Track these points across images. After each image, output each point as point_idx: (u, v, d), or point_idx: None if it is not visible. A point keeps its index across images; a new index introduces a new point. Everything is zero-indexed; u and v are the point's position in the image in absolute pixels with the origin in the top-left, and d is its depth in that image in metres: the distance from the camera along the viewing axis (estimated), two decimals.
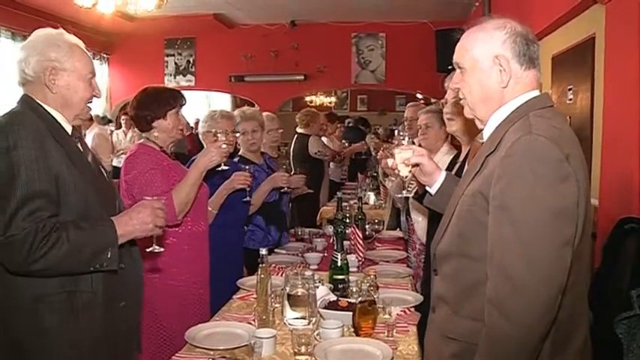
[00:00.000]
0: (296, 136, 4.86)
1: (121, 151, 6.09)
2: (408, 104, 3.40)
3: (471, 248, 1.09)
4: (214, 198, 2.27)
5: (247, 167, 2.37)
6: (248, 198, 2.37)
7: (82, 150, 1.39)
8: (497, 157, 1.06)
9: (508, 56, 1.12)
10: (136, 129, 2.04)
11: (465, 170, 1.56)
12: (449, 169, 2.06)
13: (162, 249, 1.48)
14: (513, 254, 0.98)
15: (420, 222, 2.61)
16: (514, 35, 1.11)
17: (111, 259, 1.28)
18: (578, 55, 3.02)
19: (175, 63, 8.04)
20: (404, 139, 1.49)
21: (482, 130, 1.21)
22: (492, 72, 1.14)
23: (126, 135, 6.83)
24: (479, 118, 1.20)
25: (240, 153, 2.80)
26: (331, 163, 5.32)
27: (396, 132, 1.50)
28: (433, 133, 2.53)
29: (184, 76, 8.05)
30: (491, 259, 1.02)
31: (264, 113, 2.95)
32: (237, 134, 2.58)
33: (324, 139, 5.31)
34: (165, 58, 8.04)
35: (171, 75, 8.06)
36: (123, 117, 6.99)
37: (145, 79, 6.46)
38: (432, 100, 8.20)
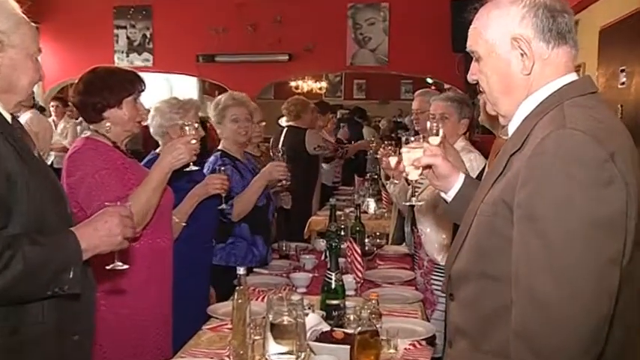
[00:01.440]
0: (286, 129, 4.88)
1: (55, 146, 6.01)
2: (417, 92, 3.43)
3: (493, 268, 1.10)
4: (182, 206, 2.27)
5: (223, 168, 2.37)
6: (224, 206, 2.37)
7: (26, 143, 1.36)
8: (523, 156, 1.05)
9: (529, 35, 1.10)
10: (72, 119, 2.02)
11: (484, 173, 1.58)
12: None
13: (126, 266, 1.47)
14: (544, 276, 0.96)
15: (427, 234, 2.64)
16: (534, 8, 1.10)
17: (73, 281, 1.25)
18: (633, 28, 2.90)
19: (128, 37, 7.94)
20: (437, 136, 1.50)
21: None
22: (512, 57, 1.13)
23: (56, 126, 6.58)
24: (502, 114, 1.20)
25: (221, 147, 2.80)
26: (323, 164, 5.33)
27: (403, 139, 1.51)
28: (450, 125, 2.58)
29: (139, 54, 7.98)
30: (516, 281, 1.01)
31: None
32: (197, 126, 2.58)
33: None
34: (115, 31, 7.92)
35: (122, 53, 7.95)
36: (52, 103, 6.77)
37: (88, 58, 6.32)
38: (446, 87, 8.31)
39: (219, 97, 2.83)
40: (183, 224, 2.24)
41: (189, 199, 2.28)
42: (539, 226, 0.98)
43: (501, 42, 1.13)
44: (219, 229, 2.60)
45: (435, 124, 1.54)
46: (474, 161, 2.51)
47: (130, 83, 1.96)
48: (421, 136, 1.52)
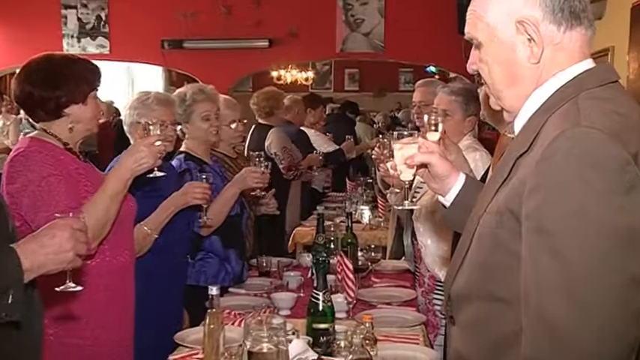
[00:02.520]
0: (253, 128, 4.81)
1: None
2: (418, 82, 3.46)
3: (499, 288, 1.09)
4: (156, 216, 2.28)
5: (205, 176, 2.38)
6: (205, 218, 2.38)
7: None
8: (532, 160, 1.04)
9: (537, 17, 1.09)
10: (12, 114, 2.00)
11: (488, 176, 1.59)
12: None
13: (79, 287, 1.47)
14: (557, 298, 0.95)
15: (428, 246, 2.66)
16: None
17: (13, 306, 1.24)
18: None
19: (79, 19, 7.85)
20: (436, 131, 1.51)
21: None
22: (517, 43, 1.12)
23: None
24: (507, 109, 1.20)
25: (185, 147, 2.81)
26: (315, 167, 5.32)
27: (395, 133, 1.52)
28: (452, 124, 2.59)
29: (93, 39, 7.90)
30: (526, 304, 1.00)
31: (220, 96, 2.99)
32: (178, 127, 2.60)
33: (310, 131, 5.26)
34: (63, 12, 7.82)
35: (72, 37, 7.84)
36: None
37: (30, 44, 6.12)
38: (451, 75, 8.37)
39: (183, 90, 2.82)
40: (155, 236, 2.24)
41: (165, 209, 2.28)
42: (551, 241, 0.97)
43: (504, 26, 1.12)
44: (188, 245, 2.61)
45: (433, 118, 1.55)
46: (479, 161, 2.52)
47: (93, 74, 1.96)
48: (418, 131, 1.53)
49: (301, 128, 5.12)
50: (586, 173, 0.96)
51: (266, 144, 4.60)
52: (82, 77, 1.92)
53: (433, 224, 2.60)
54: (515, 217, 1.06)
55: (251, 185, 2.67)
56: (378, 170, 2.99)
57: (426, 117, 1.57)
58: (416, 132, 1.50)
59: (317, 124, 5.67)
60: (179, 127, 2.55)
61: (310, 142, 5.13)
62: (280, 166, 4.63)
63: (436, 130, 1.53)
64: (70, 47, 7.78)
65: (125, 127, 2.50)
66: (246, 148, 4.71)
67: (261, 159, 2.71)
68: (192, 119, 2.75)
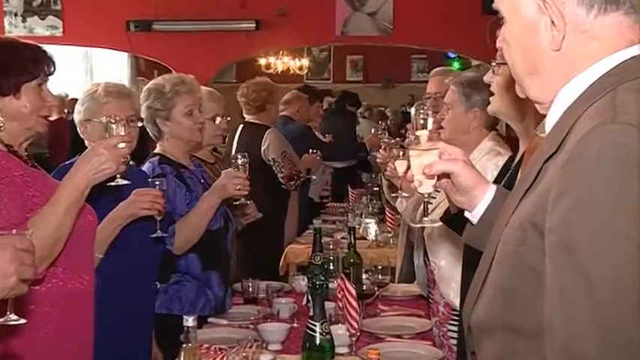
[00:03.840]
0: (241, 127, 4.82)
1: None
2: (433, 71, 3.48)
3: (523, 318, 1.10)
4: (98, 232, 2.26)
5: (158, 182, 2.38)
6: (159, 232, 2.38)
7: None
8: (560, 162, 1.04)
9: None
10: None
11: (516, 183, 1.59)
12: (499, 176, 2.12)
13: (23, 320, 1.46)
14: (587, 329, 0.95)
15: (442, 268, 2.66)
16: None
17: None
18: None
19: None
20: (424, 129, 1.52)
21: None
22: (539, 25, 1.14)
23: None
24: (533, 99, 1.22)
25: (160, 149, 2.82)
26: (320, 172, 5.34)
27: (412, 112, 1.52)
28: (451, 118, 2.61)
29: (42, 18, 7.88)
30: (551, 337, 1.01)
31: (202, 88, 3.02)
32: (140, 124, 2.60)
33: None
34: None
35: (15, 16, 7.82)
36: None
37: None
38: (474, 63, 8.39)
39: (159, 81, 2.83)
40: (100, 256, 2.24)
41: (108, 224, 2.26)
42: (578, 260, 0.97)
43: (527, 1, 1.15)
44: (160, 264, 2.61)
45: (422, 112, 1.55)
46: (501, 167, 2.54)
47: (33, 62, 1.95)
48: (421, 132, 1.52)
49: (307, 124, 5.11)
50: (620, 178, 0.96)
51: (262, 148, 4.60)
52: (13, 64, 1.91)
53: (448, 242, 2.60)
54: (538, 232, 1.06)
55: (232, 193, 2.67)
56: (384, 175, 2.99)
57: (413, 110, 1.57)
58: (436, 134, 1.50)
59: (313, 122, 5.68)
60: (140, 124, 2.55)
61: (319, 140, 5.10)
62: (280, 175, 4.62)
63: (424, 128, 1.53)
64: (14, 28, 7.74)
65: (79, 128, 2.51)
66: (233, 152, 4.72)
67: (241, 161, 2.70)
68: (172, 115, 2.76)
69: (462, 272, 2.24)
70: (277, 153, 4.62)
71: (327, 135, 5.97)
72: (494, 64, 1.93)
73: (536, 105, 1.24)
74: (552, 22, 1.12)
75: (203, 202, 2.67)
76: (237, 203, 2.82)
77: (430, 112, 1.53)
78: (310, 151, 5.11)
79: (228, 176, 2.68)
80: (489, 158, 2.54)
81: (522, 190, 1.15)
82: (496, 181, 2.07)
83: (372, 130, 5.48)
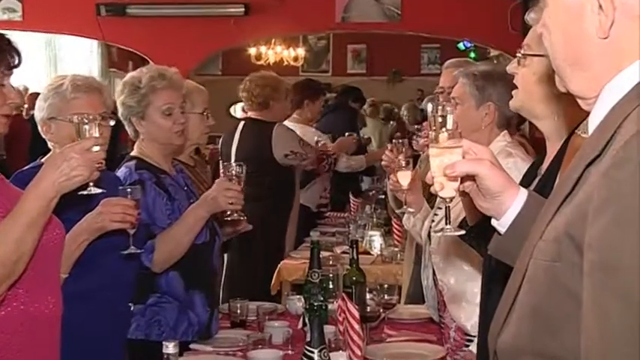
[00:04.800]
0: (243, 125, 4.89)
1: None
2: (447, 62, 3.48)
3: (555, 342, 1.11)
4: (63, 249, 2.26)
5: (130, 190, 2.38)
6: (132, 248, 2.38)
7: None
8: (603, 167, 1.05)
9: None
10: None
11: (553, 191, 1.59)
12: (524, 183, 2.12)
13: None
14: (626, 358, 0.97)
15: (452, 287, 2.66)
16: None
17: None
18: None
19: None
20: (443, 128, 1.50)
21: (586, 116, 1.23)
22: (585, 10, 1.14)
23: None
24: (576, 93, 1.23)
25: (137, 152, 2.82)
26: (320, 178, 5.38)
27: (429, 108, 1.51)
28: (460, 114, 2.61)
29: None
30: None
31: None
32: (112, 122, 2.60)
33: (297, 127, 5.31)
34: None
35: None
36: None
37: None
38: (492, 54, 8.40)
39: (137, 73, 2.83)
40: (63, 276, 2.23)
41: (74, 239, 2.23)
42: (620, 281, 0.98)
43: None
44: (137, 283, 2.60)
45: (441, 108, 1.53)
46: (513, 170, 2.53)
47: None
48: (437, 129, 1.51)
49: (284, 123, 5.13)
50: None
51: (274, 147, 4.71)
52: None
53: (456, 257, 2.61)
54: (575, 246, 1.06)
55: (224, 207, 2.67)
56: (388, 183, 3.00)
57: (429, 107, 1.58)
58: (458, 131, 1.50)
59: (312, 121, 5.70)
60: (112, 123, 2.55)
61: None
62: (305, 164, 4.79)
63: (443, 127, 1.52)
64: None
65: (40, 127, 2.49)
66: (233, 153, 4.80)
67: (236, 170, 2.71)
68: (148, 114, 2.76)
69: (481, 290, 2.24)
70: (294, 144, 4.76)
71: (324, 135, 5.95)
72: (519, 54, 1.93)
73: (579, 101, 1.24)
74: (600, 5, 1.12)
75: (189, 215, 2.67)
76: (228, 219, 2.82)
77: (449, 109, 1.54)
78: (347, 134, 5.25)
79: (220, 187, 2.67)
80: (499, 160, 2.55)
81: (560, 198, 1.15)
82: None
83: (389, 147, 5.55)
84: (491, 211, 1.48)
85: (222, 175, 2.76)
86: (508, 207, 1.45)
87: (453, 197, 1.52)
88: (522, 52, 1.92)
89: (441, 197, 1.53)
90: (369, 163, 6.22)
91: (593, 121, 1.19)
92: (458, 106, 2.60)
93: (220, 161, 4.96)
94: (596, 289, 1.02)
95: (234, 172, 2.71)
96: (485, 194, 1.46)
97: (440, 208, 2.60)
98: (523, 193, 1.46)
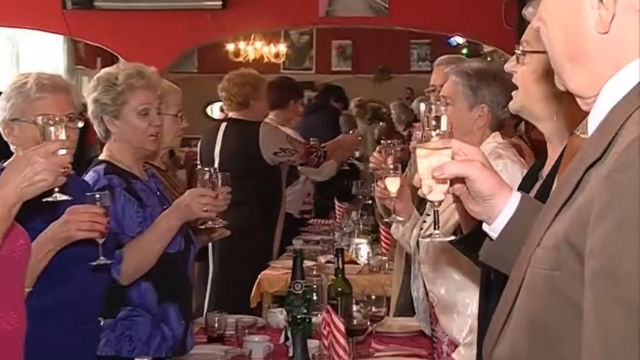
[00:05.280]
0: (225, 126, 4.92)
1: None
2: (439, 60, 3.50)
3: (554, 355, 1.12)
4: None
5: (99, 196, 2.37)
6: (102, 259, 2.37)
7: None
8: (604, 170, 1.06)
9: None
10: None
11: (551, 195, 1.60)
12: (524, 188, 2.12)
13: None
14: None
15: (442, 298, 2.67)
16: None
17: None
18: None
19: None
20: (437, 129, 1.51)
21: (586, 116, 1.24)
22: (584, 3, 1.15)
23: None
24: (574, 92, 1.24)
25: (106, 155, 2.81)
26: (301, 180, 5.38)
27: (422, 109, 1.52)
28: (452, 115, 2.60)
29: None
30: None
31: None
32: (80, 124, 2.59)
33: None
34: None
35: None
36: None
37: None
38: (484, 50, 8.44)
39: (113, 69, 2.82)
40: (27, 290, 2.21)
41: (39, 249, 2.22)
42: (623, 290, 0.98)
43: None
44: (107, 296, 2.60)
45: (434, 108, 1.54)
46: (502, 172, 2.55)
47: None
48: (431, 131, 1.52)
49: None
50: None
51: (262, 148, 4.73)
52: None
53: (447, 266, 2.61)
54: (576, 254, 1.07)
55: (198, 214, 2.67)
56: (375, 190, 3.00)
57: (422, 106, 1.58)
58: (446, 132, 1.51)
59: (292, 122, 5.69)
60: (81, 124, 2.53)
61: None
62: (295, 158, 4.86)
63: (437, 128, 1.54)
64: None
65: (0, 129, 2.47)
66: (216, 155, 4.82)
67: (212, 175, 2.71)
68: (123, 113, 2.75)
69: (479, 301, 2.25)
70: (282, 141, 4.81)
71: (312, 139, 5.96)
72: (518, 51, 1.93)
73: (578, 100, 1.25)
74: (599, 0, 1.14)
75: (160, 222, 2.66)
76: (203, 227, 2.81)
77: (444, 108, 1.54)
78: (351, 131, 5.22)
79: (193, 194, 2.67)
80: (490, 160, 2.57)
81: (559, 202, 1.16)
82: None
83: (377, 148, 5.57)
84: (483, 215, 1.48)
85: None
86: (500, 211, 1.46)
87: (442, 201, 1.52)
88: (521, 49, 1.92)
89: (429, 201, 1.53)
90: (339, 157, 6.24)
91: (593, 122, 1.20)
92: (449, 106, 2.60)
93: (198, 165, 4.99)
94: (597, 299, 1.02)
95: (206, 177, 2.71)
96: (476, 197, 1.46)
97: (429, 215, 2.60)
98: (516, 196, 1.47)
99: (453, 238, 1.68)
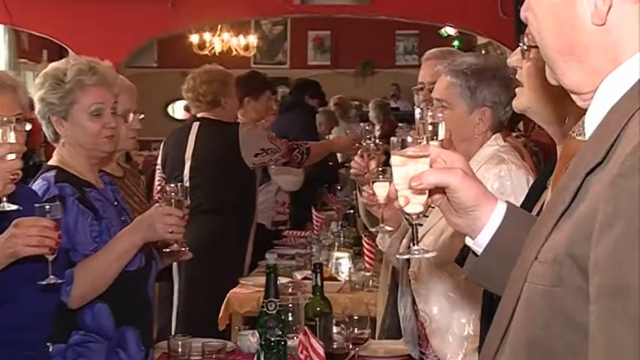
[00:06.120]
0: (198, 126, 4.91)
1: None
2: (429, 52, 3.51)
3: None
4: None
5: (48, 207, 2.35)
6: (52, 278, 2.36)
7: None
8: (607, 176, 1.07)
9: None
10: None
11: (545, 202, 1.60)
12: (531, 198, 2.13)
13: None
14: None
15: (434, 317, 2.68)
16: None
17: None
18: None
19: None
20: (435, 138, 1.53)
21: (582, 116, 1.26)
22: None
23: None
24: (569, 88, 1.26)
25: (56, 161, 2.80)
26: (261, 187, 5.37)
27: (417, 115, 1.52)
28: (451, 120, 2.59)
29: None
30: None
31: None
32: (28, 126, 2.58)
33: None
34: None
35: None
36: None
37: None
38: (478, 42, 8.47)
39: (62, 64, 2.79)
40: None
41: None
42: (633, 306, 0.99)
43: None
44: (56, 318, 2.58)
45: (431, 115, 1.56)
46: (506, 179, 2.54)
47: None
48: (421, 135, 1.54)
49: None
50: None
51: (242, 150, 4.74)
52: None
53: (440, 282, 2.62)
54: (579, 268, 1.08)
55: (162, 236, 2.67)
56: (360, 194, 3.00)
57: (417, 112, 1.59)
58: (425, 136, 1.52)
59: (264, 122, 5.70)
60: (29, 127, 2.53)
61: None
62: (277, 157, 4.85)
63: (434, 136, 1.56)
64: None
65: None
66: (188, 159, 4.79)
67: (173, 191, 2.70)
68: (72, 114, 2.73)
69: (480, 322, 2.26)
70: (263, 141, 4.83)
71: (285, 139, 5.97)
72: (523, 44, 1.94)
73: (574, 96, 1.27)
74: None
75: (119, 241, 2.65)
76: (167, 250, 2.81)
77: (441, 115, 1.56)
78: (346, 132, 5.25)
79: (159, 213, 2.66)
80: (489, 167, 2.55)
81: (557, 212, 1.17)
82: (525, 202, 2.06)
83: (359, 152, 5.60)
84: (465, 229, 1.49)
85: (159, 196, 2.75)
86: (484, 223, 1.47)
87: (420, 213, 1.52)
88: (526, 42, 1.92)
89: (405, 214, 1.52)
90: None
91: (590, 122, 1.21)
92: (446, 110, 2.53)
93: (158, 170, 4.98)
94: (604, 316, 1.03)
95: (172, 194, 2.70)
96: (458, 209, 1.47)
97: (420, 225, 2.60)
98: (501, 207, 1.47)
99: (433, 254, 1.68)
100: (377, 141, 2.96)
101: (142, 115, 3.25)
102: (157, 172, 4.98)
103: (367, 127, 2.99)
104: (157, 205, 2.76)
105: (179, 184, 2.82)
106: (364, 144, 2.94)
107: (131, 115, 3.11)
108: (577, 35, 1.20)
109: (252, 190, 5.02)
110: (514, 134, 3.50)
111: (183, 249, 2.85)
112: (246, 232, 4.92)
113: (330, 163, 6.41)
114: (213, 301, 4.29)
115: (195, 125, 4.91)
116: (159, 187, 4.50)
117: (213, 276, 4.50)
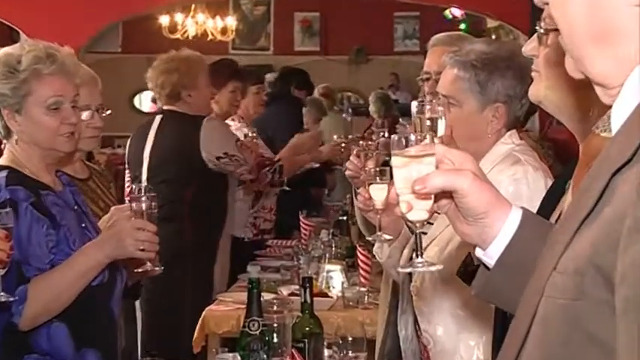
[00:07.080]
0: (160, 119, 4.94)
1: None
2: (435, 38, 3.52)
3: None
4: None
5: (2, 212, 2.37)
6: (2, 295, 2.37)
7: None
8: (636, 177, 1.08)
9: None
10: None
11: (565, 206, 1.60)
12: (548, 204, 2.13)
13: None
14: None
15: (439, 339, 2.69)
16: None
17: None
18: None
19: None
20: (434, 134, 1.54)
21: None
22: None
23: None
24: (596, 80, 1.26)
25: (7, 160, 2.80)
26: (240, 193, 5.38)
27: (414, 109, 1.52)
28: (458, 118, 2.59)
29: None
30: None
31: None
32: None
33: (233, 124, 5.41)
34: None
35: None
36: None
37: None
38: (488, 25, 8.50)
39: (15, 49, 2.78)
40: None
41: None
42: None
43: None
44: (4, 340, 2.60)
45: (429, 109, 1.57)
46: (522, 182, 2.55)
47: None
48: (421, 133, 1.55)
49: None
50: None
51: (202, 147, 4.74)
52: None
53: (446, 300, 2.64)
54: (604, 279, 1.09)
55: (132, 253, 2.67)
56: (356, 198, 3.01)
57: (414, 106, 1.60)
58: (428, 134, 1.52)
59: (245, 115, 5.70)
60: None
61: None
62: (242, 170, 4.85)
63: (433, 132, 1.56)
64: None
65: None
66: (145, 158, 4.82)
67: (144, 199, 2.70)
68: (27, 107, 2.73)
69: (492, 344, 2.27)
70: (229, 144, 4.81)
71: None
72: (540, 29, 1.94)
73: (599, 90, 1.27)
74: None
75: (81, 257, 2.65)
76: (139, 270, 2.81)
77: (441, 109, 1.56)
78: (335, 137, 5.37)
79: (128, 227, 2.66)
80: (503, 169, 2.55)
81: (579, 217, 1.18)
82: (541, 208, 2.06)
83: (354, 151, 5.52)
84: (475, 238, 1.50)
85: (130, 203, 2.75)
86: (497, 232, 1.48)
87: (425, 221, 1.53)
88: (543, 26, 1.92)
89: (408, 221, 1.53)
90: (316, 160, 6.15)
91: (617, 117, 1.22)
92: (453, 107, 2.56)
93: (127, 172, 4.97)
94: (632, 333, 1.04)
95: (145, 204, 2.69)
96: (467, 216, 1.48)
97: (425, 233, 2.60)
98: (516, 213, 1.48)
99: (438, 267, 1.68)
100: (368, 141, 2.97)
101: (109, 111, 3.24)
102: (127, 173, 4.99)
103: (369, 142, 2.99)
104: (127, 213, 2.74)
105: (151, 195, 2.76)
106: (361, 143, 2.94)
107: (86, 112, 3.09)
108: (612, 17, 1.20)
109: (220, 195, 4.99)
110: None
111: (157, 268, 2.83)
112: (213, 243, 4.91)
113: (316, 165, 6.39)
114: (180, 319, 4.30)
115: (157, 119, 4.94)
116: (128, 190, 4.50)
117: (175, 291, 4.52)
